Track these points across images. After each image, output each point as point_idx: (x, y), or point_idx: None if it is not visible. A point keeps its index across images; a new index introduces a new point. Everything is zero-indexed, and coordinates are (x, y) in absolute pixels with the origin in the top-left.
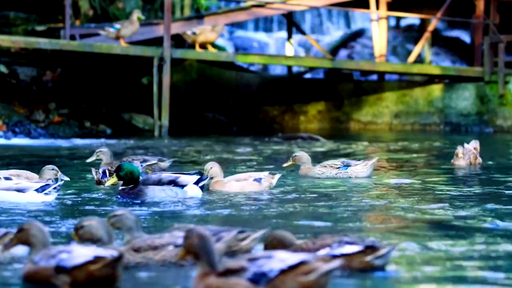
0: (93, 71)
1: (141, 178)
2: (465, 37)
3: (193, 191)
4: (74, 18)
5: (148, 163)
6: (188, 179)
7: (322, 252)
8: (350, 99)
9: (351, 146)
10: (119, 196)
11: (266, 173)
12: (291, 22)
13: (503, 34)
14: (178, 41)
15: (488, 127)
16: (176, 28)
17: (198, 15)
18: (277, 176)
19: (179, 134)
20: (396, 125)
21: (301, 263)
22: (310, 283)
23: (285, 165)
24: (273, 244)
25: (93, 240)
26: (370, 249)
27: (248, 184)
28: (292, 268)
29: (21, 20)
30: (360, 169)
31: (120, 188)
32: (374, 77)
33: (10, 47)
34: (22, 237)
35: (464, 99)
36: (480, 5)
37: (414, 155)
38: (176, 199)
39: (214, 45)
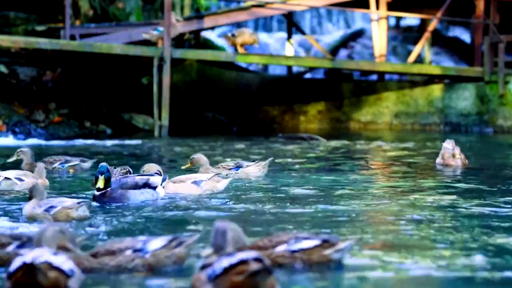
0: (93, 71)
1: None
2: (465, 37)
3: (162, 192)
4: (74, 18)
5: (70, 163)
6: (157, 180)
7: (280, 248)
8: (350, 99)
9: (351, 146)
10: (97, 199)
11: (210, 175)
12: (291, 22)
13: (503, 34)
14: (178, 41)
15: (488, 127)
16: (176, 28)
17: (198, 15)
18: (226, 180)
19: (179, 134)
20: (396, 125)
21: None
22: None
23: (183, 167)
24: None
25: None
26: (327, 243)
27: (185, 186)
28: (232, 266)
29: (21, 20)
30: (252, 170)
31: (99, 193)
32: (374, 77)
33: (10, 47)
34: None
35: (464, 99)
36: (480, 5)
37: (413, 154)
38: (151, 201)
39: (214, 45)
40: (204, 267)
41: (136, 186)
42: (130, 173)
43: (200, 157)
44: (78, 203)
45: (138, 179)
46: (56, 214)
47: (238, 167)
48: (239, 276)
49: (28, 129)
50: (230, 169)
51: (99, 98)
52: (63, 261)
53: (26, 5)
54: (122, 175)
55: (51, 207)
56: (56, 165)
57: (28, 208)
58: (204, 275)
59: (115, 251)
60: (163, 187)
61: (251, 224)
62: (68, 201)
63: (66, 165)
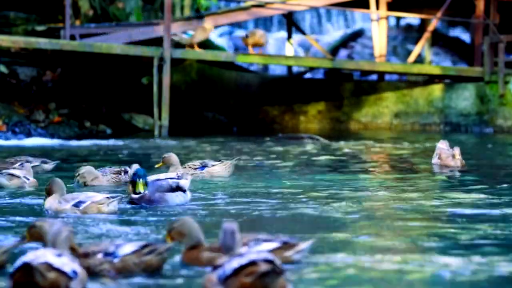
0: (93, 71)
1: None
2: (465, 37)
3: (189, 195)
4: (74, 18)
5: (31, 165)
6: (185, 183)
7: (242, 250)
8: (350, 99)
9: (351, 146)
10: (136, 202)
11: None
12: (291, 22)
13: (503, 34)
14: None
15: (488, 127)
16: (176, 28)
17: (198, 15)
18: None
19: (179, 134)
20: (396, 125)
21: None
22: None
23: (156, 166)
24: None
25: (43, 240)
26: (287, 245)
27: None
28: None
29: (21, 20)
30: (217, 170)
31: (137, 196)
32: (374, 77)
33: (10, 47)
34: (34, 233)
35: (464, 99)
36: (480, 5)
37: (413, 154)
38: (184, 203)
39: (214, 45)
40: (215, 267)
41: (171, 189)
42: (125, 173)
43: (172, 156)
44: (108, 197)
45: (172, 182)
46: (87, 209)
47: (203, 166)
48: (249, 277)
49: (28, 129)
50: (196, 168)
51: (99, 98)
52: (66, 263)
53: (26, 5)
54: (115, 173)
55: (80, 202)
56: (17, 165)
57: (53, 202)
58: (215, 276)
59: (89, 253)
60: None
61: (243, 226)
62: (97, 196)
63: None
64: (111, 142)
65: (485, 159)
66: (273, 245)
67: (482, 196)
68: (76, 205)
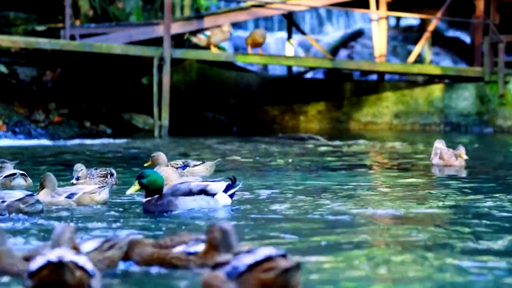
0: (93, 71)
1: (166, 188)
2: (465, 37)
3: (223, 200)
4: (74, 18)
5: None
6: (218, 187)
7: (178, 249)
8: (350, 99)
9: (351, 146)
10: (145, 208)
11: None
12: (291, 22)
13: (503, 34)
14: (178, 41)
15: (488, 127)
16: (176, 28)
17: (198, 15)
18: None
19: (179, 134)
20: (396, 125)
21: None
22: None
23: (146, 164)
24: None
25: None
26: None
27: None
28: None
29: (21, 20)
30: (199, 169)
31: (146, 199)
32: (374, 77)
33: (10, 47)
34: None
35: (464, 99)
36: (480, 5)
37: (413, 154)
38: (207, 209)
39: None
40: (216, 266)
41: (190, 193)
42: (111, 175)
43: (160, 156)
44: (100, 187)
45: (194, 185)
46: (80, 199)
47: (185, 166)
48: (269, 273)
49: (28, 129)
50: (177, 167)
51: (99, 98)
52: (85, 261)
53: (26, 5)
54: (102, 176)
55: (72, 194)
56: None
57: (45, 196)
58: (221, 273)
59: (31, 256)
60: (230, 195)
61: (246, 228)
62: (88, 187)
63: None
64: (111, 141)
65: (485, 159)
66: None
67: (490, 197)
68: (69, 197)
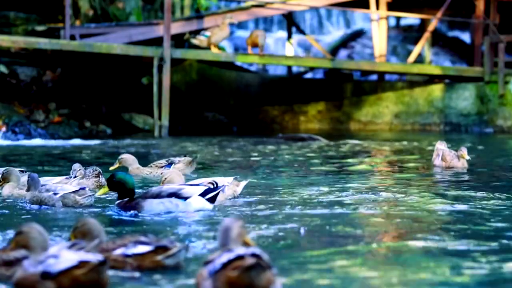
0: (93, 71)
1: (138, 190)
2: (465, 37)
3: (198, 203)
4: (74, 18)
5: None
6: (193, 191)
7: (118, 251)
8: (350, 99)
9: (351, 146)
10: (114, 210)
11: (231, 179)
12: (291, 22)
13: (503, 34)
14: (178, 41)
15: (488, 127)
16: (176, 28)
17: (198, 15)
18: (243, 183)
19: (179, 134)
20: (396, 125)
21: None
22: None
23: (111, 168)
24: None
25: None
26: (162, 249)
27: None
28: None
29: (21, 20)
30: (181, 167)
31: (117, 201)
32: (374, 77)
33: (10, 47)
34: (21, 240)
35: (464, 99)
36: (480, 5)
37: (414, 153)
38: (176, 212)
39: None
40: (207, 263)
41: (158, 196)
42: (101, 175)
43: (128, 157)
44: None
45: (166, 188)
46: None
47: (170, 164)
48: (235, 271)
49: (28, 129)
50: (162, 167)
51: (99, 98)
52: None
53: (26, 5)
54: (96, 176)
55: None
56: None
57: (12, 189)
58: (206, 271)
59: (12, 261)
60: (210, 199)
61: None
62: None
63: None
64: (111, 142)
65: (487, 160)
66: (146, 248)
67: (494, 198)
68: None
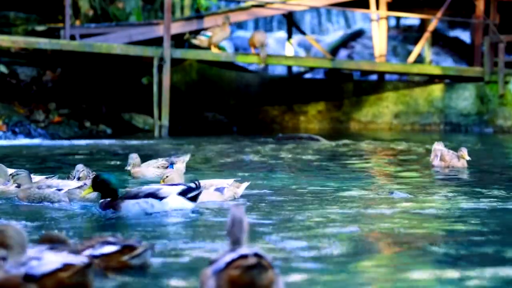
0: (93, 71)
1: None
2: (465, 37)
3: (175, 203)
4: (74, 18)
5: None
6: (170, 190)
7: (86, 252)
8: (350, 99)
9: (351, 146)
10: (98, 209)
11: (231, 181)
12: (291, 22)
13: (503, 34)
14: (178, 41)
15: (488, 127)
16: (176, 28)
17: (198, 15)
18: (244, 184)
19: (179, 134)
20: (396, 125)
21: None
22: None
23: (126, 168)
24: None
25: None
26: (128, 248)
27: (207, 194)
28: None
29: (21, 20)
30: (180, 167)
31: (100, 201)
32: (374, 77)
33: (10, 47)
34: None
35: (464, 99)
36: (480, 5)
37: (414, 154)
38: (152, 212)
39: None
40: (212, 262)
41: (136, 196)
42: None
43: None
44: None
45: (144, 188)
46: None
47: (172, 164)
48: (236, 270)
49: (28, 129)
50: (166, 167)
51: (99, 98)
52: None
53: (26, 5)
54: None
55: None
56: None
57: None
58: (210, 270)
59: None
60: (191, 198)
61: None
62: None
63: None
64: (111, 142)
65: (487, 160)
66: (112, 248)
67: (494, 198)
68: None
